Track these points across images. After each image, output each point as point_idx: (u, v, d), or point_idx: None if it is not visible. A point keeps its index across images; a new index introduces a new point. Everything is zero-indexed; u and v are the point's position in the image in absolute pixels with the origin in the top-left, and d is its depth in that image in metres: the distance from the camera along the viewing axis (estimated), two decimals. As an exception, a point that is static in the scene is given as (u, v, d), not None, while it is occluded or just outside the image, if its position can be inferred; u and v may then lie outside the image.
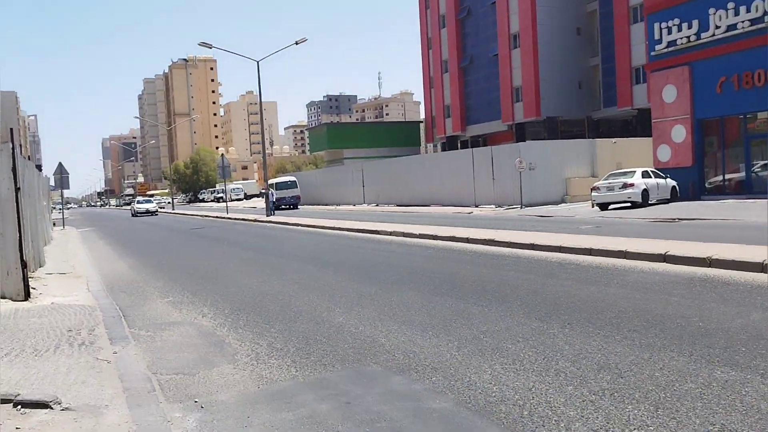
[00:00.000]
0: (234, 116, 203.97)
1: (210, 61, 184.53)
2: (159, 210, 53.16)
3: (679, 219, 18.89)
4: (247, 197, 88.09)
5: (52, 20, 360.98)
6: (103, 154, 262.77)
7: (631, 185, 23.86)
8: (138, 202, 54.10)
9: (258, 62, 31.75)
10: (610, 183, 24.52)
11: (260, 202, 69.44)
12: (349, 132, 67.88)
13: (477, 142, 54.73)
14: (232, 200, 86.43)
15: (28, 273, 13.28)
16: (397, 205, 41.16)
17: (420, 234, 16.71)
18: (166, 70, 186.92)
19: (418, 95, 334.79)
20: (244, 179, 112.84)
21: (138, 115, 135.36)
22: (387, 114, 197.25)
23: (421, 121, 66.16)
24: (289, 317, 7.84)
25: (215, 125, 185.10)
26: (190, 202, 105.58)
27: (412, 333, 6.63)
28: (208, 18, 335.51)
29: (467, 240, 14.62)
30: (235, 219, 34.27)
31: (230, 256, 15.94)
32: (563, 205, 30.87)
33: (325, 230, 22.52)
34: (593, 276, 9.51)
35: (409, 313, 7.57)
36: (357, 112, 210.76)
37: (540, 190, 31.15)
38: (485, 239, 14.09)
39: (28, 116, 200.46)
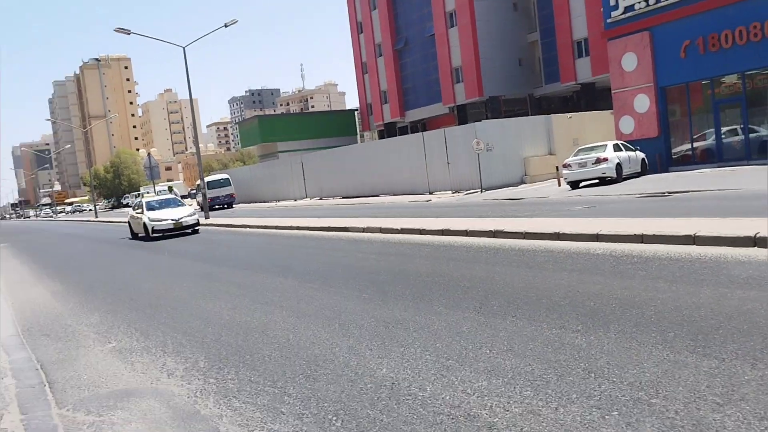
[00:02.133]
0: (153, 116, 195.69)
1: (124, 60, 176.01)
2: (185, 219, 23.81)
3: (669, 192, 17.40)
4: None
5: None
6: (15, 163, 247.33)
7: (605, 160, 22.36)
8: (151, 207, 23.87)
9: (184, 48, 28.64)
10: (581, 159, 22.96)
11: (190, 203, 65.60)
12: (281, 124, 64.49)
13: (416, 127, 52.81)
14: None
15: None
16: (343, 198, 38.80)
17: (401, 229, 14.42)
18: (78, 72, 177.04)
19: (343, 86, 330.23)
20: (168, 180, 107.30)
21: (50, 120, 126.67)
22: (312, 106, 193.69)
23: (356, 110, 63.67)
24: (300, 369, 5.43)
25: (134, 126, 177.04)
26: (113, 207, 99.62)
27: (537, 402, 4.37)
28: (122, 11, 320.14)
29: (466, 233, 12.43)
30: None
31: (178, 271, 13.21)
32: (523, 186, 29.29)
33: (281, 231, 19.90)
34: (691, 273, 7.49)
35: (495, 358, 5.31)
36: (281, 105, 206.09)
37: (498, 172, 29.45)
38: (487, 231, 11.94)
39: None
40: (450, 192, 30.56)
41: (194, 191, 66.95)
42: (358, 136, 66.68)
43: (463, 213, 18.57)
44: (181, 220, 22.56)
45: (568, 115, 32.16)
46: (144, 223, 22.82)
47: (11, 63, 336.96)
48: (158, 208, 23.69)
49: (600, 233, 9.59)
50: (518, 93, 45.94)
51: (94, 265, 16.93)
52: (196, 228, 23.41)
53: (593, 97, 41.36)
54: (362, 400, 4.49)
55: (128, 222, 25.94)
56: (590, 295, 6.69)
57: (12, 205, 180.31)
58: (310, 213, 27.19)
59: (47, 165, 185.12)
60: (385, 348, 5.70)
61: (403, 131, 54.71)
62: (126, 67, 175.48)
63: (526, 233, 10.92)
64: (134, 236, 24.58)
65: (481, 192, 28.21)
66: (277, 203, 45.25)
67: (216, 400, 4.93)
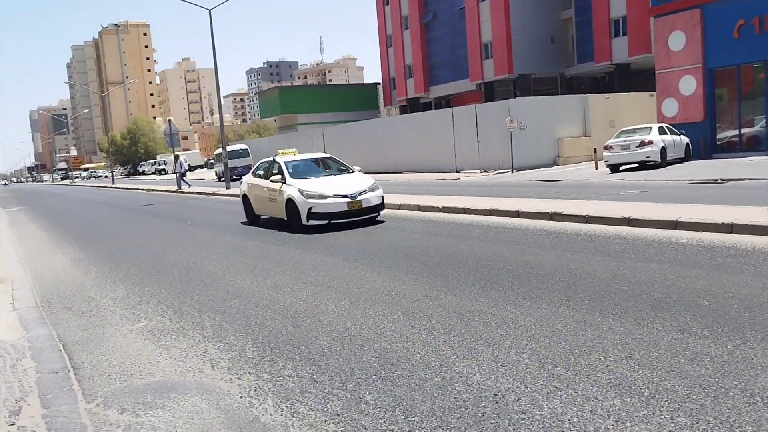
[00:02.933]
0: (171, 85, 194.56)
1: (143, 26, 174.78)
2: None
3: (722, 180, 16.32)
4: (191, 168, 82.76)
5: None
6: (32, 126, 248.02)
7: (650, 143, 21.20)
8: (299, 171, 13.65)
9: (210, 10, 27.60)
10: (624, 141, 21.81)
11: (207, 174, 64.78)
12: (302, 96, 63.20)
13: (441, 103, 51.55)
14: (175, 171, 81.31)
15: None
16: (365, 173, 37.84)
17: (443, 207, 13.46)
18: (96, 36, 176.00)
19: (362, 61, 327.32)
20: (185, 150, 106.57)
21: (69, 83, 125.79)
22: (330, 80, 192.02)
23: (378, 84, 62.32)
24: (371, 367, 4.56)
25: (151, 94, 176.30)
26: (129, 175, 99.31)
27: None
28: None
29: (517, 214, 11.48)
30: (190, 193, 30.28)
31: (206, 243, 12.38)
32: (556, 168, 28.20)
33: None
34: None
35: (615, 367, 4.41)
36: (299, 78, 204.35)
37: (531, 153, 28.33)
38: (542, 213, 10.99)
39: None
40: (478, 171, 29.52)
41: (212, 161, 66.29)
42: (380, 110, 65.39)
43: (501, 193, 17.58)
44: (359, 197, 12.46)
45: (606, 95, 30.87)
46: (291, 199, 12.54)
47: (30, 26, 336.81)
48: (307, 175, 13.47)
49: (680, 220, 8.61)
50: (549, 72, 44.50)
51: (114, 232, 16.16)
52: (378, 213, 13.22)
53: (628, 79, 39.90)
54: (463, 416, 3.61)
55: (244, 196, 15.36)
56: (698, 291, 5.76)
57: (28, 168, 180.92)
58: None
59: (64, 129, 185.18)
60: (467, 346, 4.82)
61: (427, 107, 53.41)
62: (145, 34, 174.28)
63: (590, 217, 9.96)
64: (254, 220, 14.93)
65: (512, 172, 27.16)
66: (297, 176, 44.40)
67: (276, 403, 4.08)
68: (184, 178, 34.07)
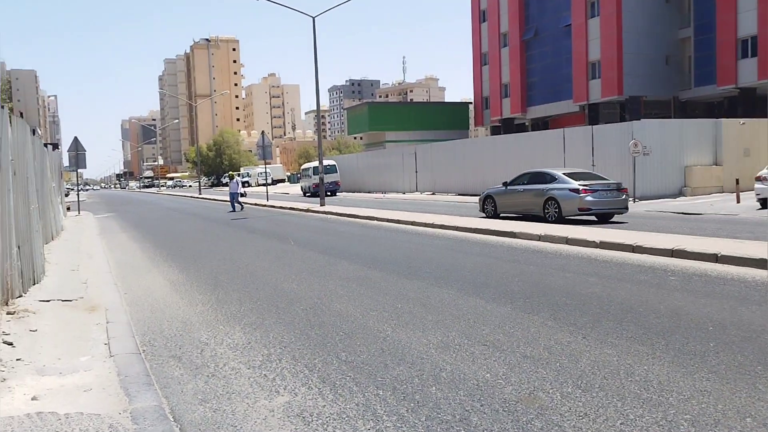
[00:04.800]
0: (255, 99, 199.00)
1: (233, 42, 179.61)
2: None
3: None
4: (274, 182, 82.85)
5: (73, 1, 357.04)
6: (122, 135, 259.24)
7: (817, 176, 18.20)
8: None
9: (314, 18, 26.33)
10: (783, 171, 18.86)
11: (290, 188, 64.25)
12: (391, 112, 61.70)
13: (537, 125, 48.95)
14: (259, 185, 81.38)
15: (10, 299, 8.06)
16: (459, 194, 35.71)
17: (601, 242, 11.18)
18: (188, 50, 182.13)
19: (443, 81, 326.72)
20: (266, 163, 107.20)
21: (159, 96, 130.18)
22: (411, 99, 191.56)
23: (470, 102, 60.14)
24: None
25: (237, 108, 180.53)
26: (212, 185, 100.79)
27: None
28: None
29: (716, 258, 9.08)
30: (282, 208, 28.93)
31: (321, 270, 10.54)
32: (683, 198, 25.26)
33: (422, 228, 17.03)
34: None
35: None
36: (380, 97, 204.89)
37: (654, 181, 25.54)
38: (709, 254, 8.58)
39: (48, 96, 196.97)
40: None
41: (298, 175, 65.73)
42: (470, 130, 63.24)
43: (652, 227, 15.06)
44: None
45: (741, 120, 27.67)
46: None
47: (126, 40, 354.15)
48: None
49: None
50: (661, 94, 41.23)
51: (212, 249, 14.64)
52: None
53: (752, 105, 36.26)
54: None
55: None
56: None
57: (117, 175, 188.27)
58: (434, 208, 24.28)
59: (153, 139, 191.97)
60: None
61: (521, 128, 50.93)
62: (234, 49, 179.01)
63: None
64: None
65: (634, 201, 24.41)
66: (384, 195, 42.72)
67: None
68: (239, 199, 29.52)
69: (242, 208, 28.99)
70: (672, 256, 9.84)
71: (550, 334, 5.91)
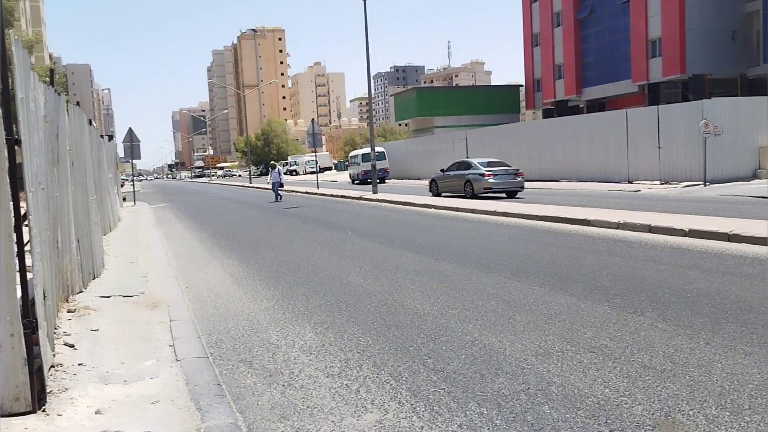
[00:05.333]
0: (301, 88, 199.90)
1: (278, 31, 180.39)
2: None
3: None
4: (321, 170, 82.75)
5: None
6: (173, 126, 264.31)
7: None
8: None
9: (365, 0, 25.62)
10: None
11: (338, 176, 63.97)
12: (440, 97, 60.57)
13: (593, 106, 47.24)
14: (306, 173, 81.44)
15: (71, 295, 7.75)
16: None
17: (689, 230, 10.29)
18: (235, 41, 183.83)
19: (489, 65, 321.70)
20: (312, 152, 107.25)
21: (208, 87, 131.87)
22: (457, 84, 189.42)
23: (521, 85, 58.60)
24: None
25: (283, 97, 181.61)
26: (261, 174, 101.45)
27: None
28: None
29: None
30: (333, 196, 28.52)
31: (385, 262, 9.98)
32: (758, 182, 23.77)
33: (484, 216, 16.30)
34: None
35: None
36: (425, 83, 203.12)
37: (726, 163, 24.14)
38: None
39: (102, 89, 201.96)
40: (657, 182, 25.61)
41: (346, 162, 65.54)
42: (521, 114, 61.74)
43: (717, 212, 14.00)
44: None
45: (821, 97, 25.86)
46: None
47: (175, 33, 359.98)
48: None
49: None
50: (727, 72, 39.15)
51: (268, 239, 14.25)
52: None
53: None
54: None
55: None
56: None
57: (169, 166, 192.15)
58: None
59: (203, 129, 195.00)
60: None
61: (575, 111, 49.29)
62: (280, 39, 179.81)
63: None
64: None
65: (705, 185, 23.12)
66: (435, 181, 41.99)
67: None
68: (281, 189, 28.53)
69: (281, 198, 27.75)
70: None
71: (666, 339, 5.20)
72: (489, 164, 22.61)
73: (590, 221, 12.44)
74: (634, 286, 7.23)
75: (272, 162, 30.15)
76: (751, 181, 23.90)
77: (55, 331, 6.17)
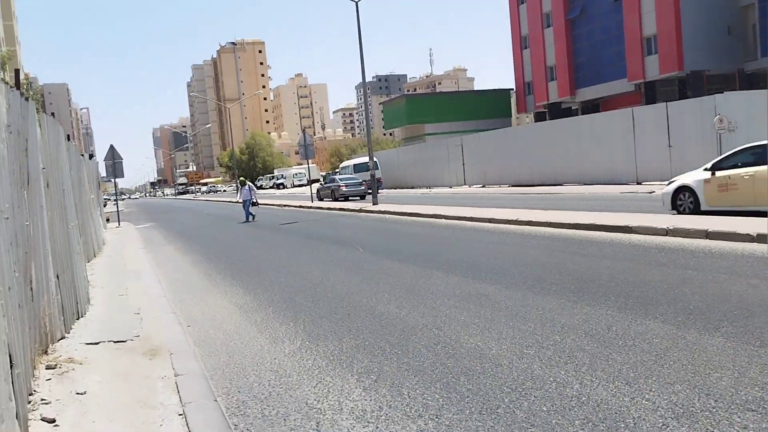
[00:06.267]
0: (284, 100, 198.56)
1: (258, 44, 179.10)
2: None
3: None
4: (309, 182, 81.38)
5: (100, 14, 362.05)
6: (154, 143, 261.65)
7: None
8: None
9: (357, 2, 24.41)
10: None
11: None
12: (430, 104, 59.37)
13: (587, 107, 46.38)
14: (295, 186, 79.88)
15: (51, 344, 6.39)
16: (513, 186, 33.61)
17: None
18: (215, 55, 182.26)
19: (472, 71, 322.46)
20: (298, 164, 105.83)
21: (189, 102, 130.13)
22: (440, 92, 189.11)
23: (511, 89, 57.67)
24: None
25: (266, 110, 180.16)
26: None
27: None
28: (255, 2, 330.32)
29: None
30: (331, 209, 27.18)
31: (414, 285, 8.70)
32: (774, 178, 22.76)
33: (504, 225, 15.05)
34: None
35: None
36: (408, 91, 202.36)
37: (740, 160, 23.08)
38: None
39: (80, 109, 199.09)
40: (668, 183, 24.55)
41: (334, 174, 64.11)
42: (513, 118, 60.72)
43: None
44: None
45: (833, 89, 24.97)
46: None
47: (152, 48, 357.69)
48: None
49: None
50: (725, 68, 38.37)
51: (271, 260, 12.91)
52: None
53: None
54: None
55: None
56: None
57: (151, 183, 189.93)
58: (498, 202, 22.25)
59: (186, 145, 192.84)
60: None
61: (569, 112, 48.42)
62: (260, 51, 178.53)
63: None
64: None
65: (720, 184, 22.07)
66: (429, 190, 40.79)
67: None
68: (252, 207, 24.99)
69: (254, 218, 24.30)
70: None
71: None
72: (344, 179, 35.42)
73: (632, 228, 11.23)
74: (734, 307, 6.00)
75: (241, 178, 26.41)
76: (767, 178, 22.92)
77: (30, 398, 4.82)
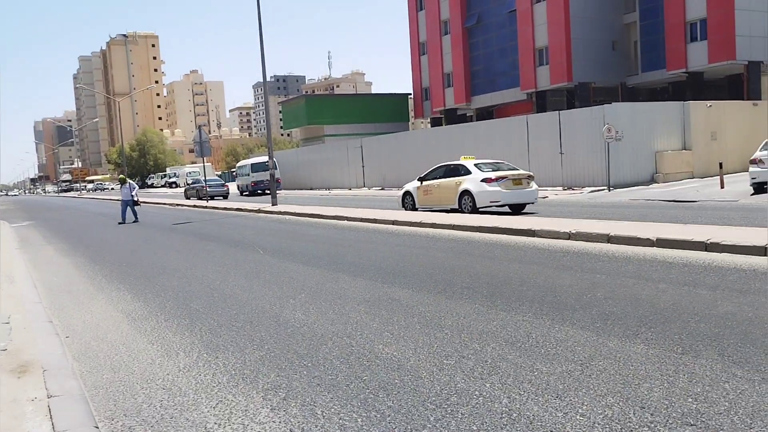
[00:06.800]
0: (177, 97, 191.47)
1: (152, 37, 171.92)
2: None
3: None
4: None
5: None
6: (36, 137, 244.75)
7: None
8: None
9: (258, -3, 23.55)
10: (780, 154, 17.86)
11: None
12: (329, 105, 58.84)
13: (482, 114, 47.63)
14: (188, 185, 76.95)
15: None
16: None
17: (614, 237, 9.35)
18: (104, 47, 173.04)
19: (369, 76, 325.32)
20: (192, 163, 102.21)
21: (75, 95, 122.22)
22: (338, 95, 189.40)
23: (409, 94, 58.26)
24: None
25: (159, 106, 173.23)
26: (139, 188, 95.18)
27: None
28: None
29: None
30: (227, 209, 26.12)
31: (319, 288, 8.24)
32: (656, 185, 24.18)
33: (409, 228, 14.85)
34: None
35: None
36: (306, 93, 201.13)
37: (627, 168, 24.37)
38: None
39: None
40: (560, 188, 25.49)
41: (233, 173, 62.24)
42: (410, 122, 61.34)
43: (668, 217, 13.48)
44: None
45: (708, 103, 26.90)
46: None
47: (37, 37, 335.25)
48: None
49: None
50: (609, 81, 40.52)
51: (164, 263, 12.00)
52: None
53: (699, 89, 35.92)
54: None
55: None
56: None
57: (31, 180, 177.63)
58: (395, 205, 22.17)
59: (71, 140, 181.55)
60: None
61: (464, 119, 49.55)
62: (153, 45, 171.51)
63: None
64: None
65: (609, 190, 23.13)
66: (329, 191, 40.40)
67: None
68: (135, 207, 23.15)
69: (136, 218, 22.58)
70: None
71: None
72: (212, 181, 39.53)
73: (535, 231, 11.31)
74: (649, 312, 5.98)
75: (121, 176, 24.48)
76: (651, 185, 24.25)
77: None
